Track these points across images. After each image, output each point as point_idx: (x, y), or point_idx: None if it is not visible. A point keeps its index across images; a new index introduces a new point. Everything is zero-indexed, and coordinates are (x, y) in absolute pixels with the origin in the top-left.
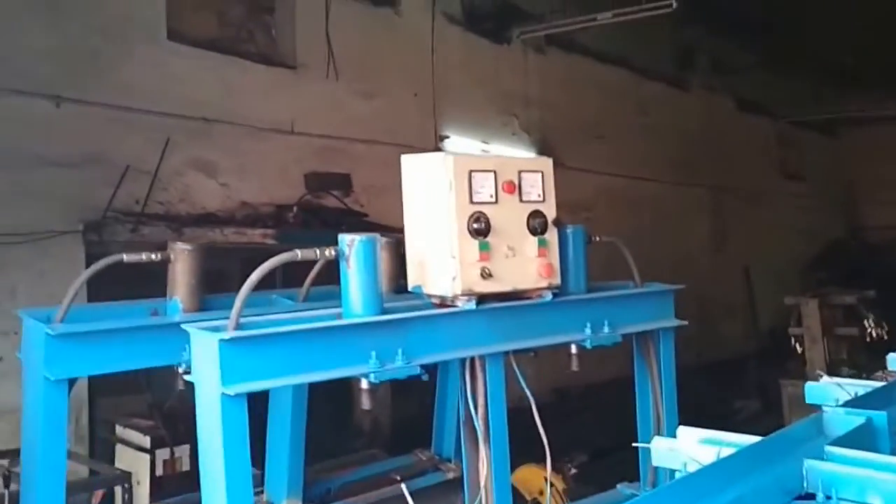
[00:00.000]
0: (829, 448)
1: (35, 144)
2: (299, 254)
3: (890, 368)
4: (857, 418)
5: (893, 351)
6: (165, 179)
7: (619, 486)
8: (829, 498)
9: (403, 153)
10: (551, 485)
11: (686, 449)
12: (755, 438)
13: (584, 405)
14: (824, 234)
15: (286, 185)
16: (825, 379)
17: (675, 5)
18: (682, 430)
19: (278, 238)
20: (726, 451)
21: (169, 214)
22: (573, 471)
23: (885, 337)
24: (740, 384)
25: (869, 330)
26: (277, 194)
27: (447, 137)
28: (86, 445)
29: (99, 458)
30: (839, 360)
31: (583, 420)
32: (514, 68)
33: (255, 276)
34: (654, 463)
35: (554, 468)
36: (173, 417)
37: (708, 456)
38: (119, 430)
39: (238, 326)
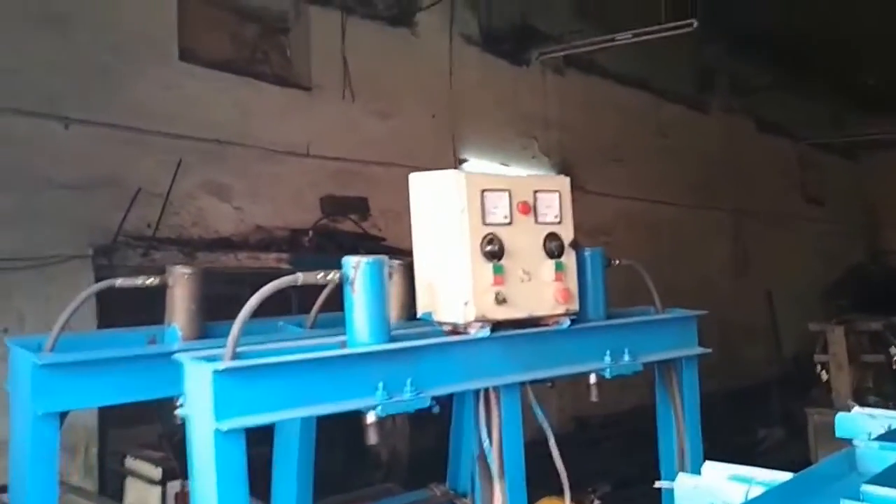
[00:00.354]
0: (865, 487)
1: (44, 166)
2: (300, 278)
3: None
4: (892, 454)
5: None
6: (178, 203)
7: None
8: None
9: None
10: None
11: (712, 487)
12: (786, 475)
13: (606, 434)
14: (845, 259)
15: (301, 208)
16: (856, 409)
17: (695, 24)
18: (709, 466)
19: (293, 263)
20: (756, 490)
21: (181, 238)
22: (596, 502)
23: None
24: (763, 412)
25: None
26: (292, 218)
27: (465, 160)
28: (95, 478)
29: (110, 491)
30: (865, 388)
31: (605, 449)
32: (532, 90)
33: (253, 302)
34: (678, 503)
35: (577, 500)
36: (185, 448)
37: (736, 495)
38: (129, 461)
39: (235, 356)
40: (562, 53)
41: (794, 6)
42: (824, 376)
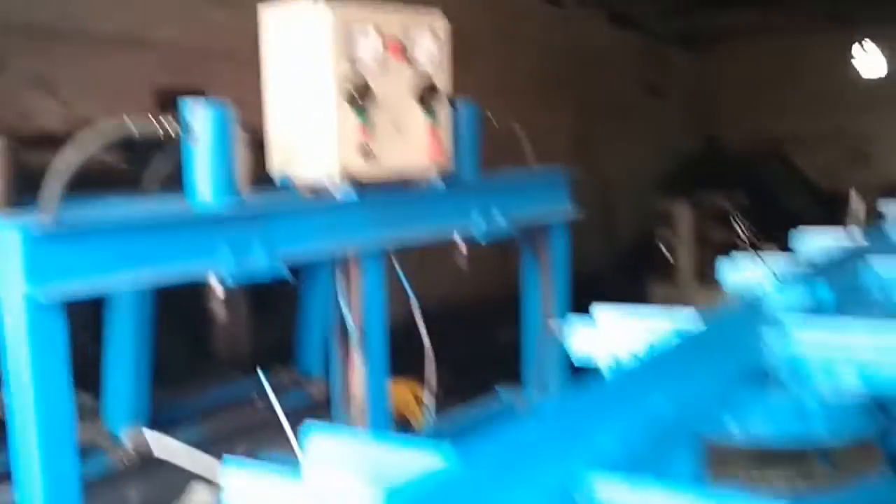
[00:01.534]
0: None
1: None
2: (133, 127)
3: None
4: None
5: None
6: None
7: (498, 389)
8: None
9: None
10: (419, 399)
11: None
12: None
13: (442, 323)
14: (686, 150)
15: (133, 101)
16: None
17: None
18: (601, 310)
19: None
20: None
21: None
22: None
23: (756, 241)
24: (597, 298)
25: (742, 235)
26: (124, 112)
27: None
28: None
29: None
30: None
31: (440, 335)
32: None
33: (74, 154)
34: (578, 355)
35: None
36: None
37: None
38: None
39: (55, 219)
40: None
41: None
42: (668, 255)
